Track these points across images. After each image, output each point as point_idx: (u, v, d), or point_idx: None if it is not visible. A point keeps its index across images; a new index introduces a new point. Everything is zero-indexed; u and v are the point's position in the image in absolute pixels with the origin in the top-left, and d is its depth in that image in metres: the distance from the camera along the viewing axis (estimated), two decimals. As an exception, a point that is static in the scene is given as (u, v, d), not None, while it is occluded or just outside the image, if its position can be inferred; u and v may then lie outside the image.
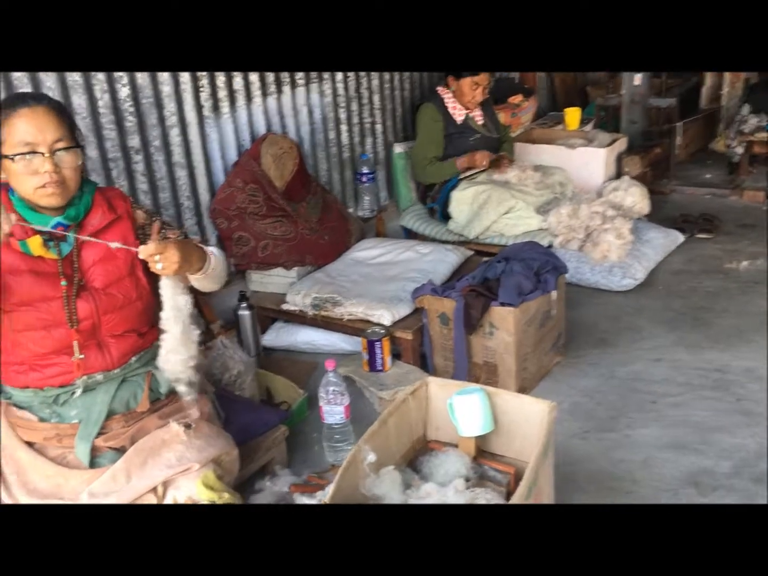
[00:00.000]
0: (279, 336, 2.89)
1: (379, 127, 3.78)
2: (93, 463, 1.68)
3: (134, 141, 2.62)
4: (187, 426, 1.73)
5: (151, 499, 1.63)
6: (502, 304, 2.35)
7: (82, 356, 1.71)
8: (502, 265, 2.49)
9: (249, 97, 3.02)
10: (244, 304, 2.68)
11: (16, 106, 1.59)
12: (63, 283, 1.68)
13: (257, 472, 2.10)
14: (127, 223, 1.79)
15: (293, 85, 3.22)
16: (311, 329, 2.80)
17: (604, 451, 2.21)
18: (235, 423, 2.04)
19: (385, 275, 2.90)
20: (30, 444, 1.72)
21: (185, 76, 2.74)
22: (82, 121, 2.42)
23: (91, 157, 2.48)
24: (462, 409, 1.75)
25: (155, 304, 1.79)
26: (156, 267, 1.58)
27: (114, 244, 1.62)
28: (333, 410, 2.17)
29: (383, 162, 3.87)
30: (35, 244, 1.65)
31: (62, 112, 1.66)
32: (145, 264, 1.80)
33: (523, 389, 2.48)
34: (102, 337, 1.74)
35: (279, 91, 3.15)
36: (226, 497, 1.68)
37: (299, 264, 2.95)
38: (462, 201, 3.52)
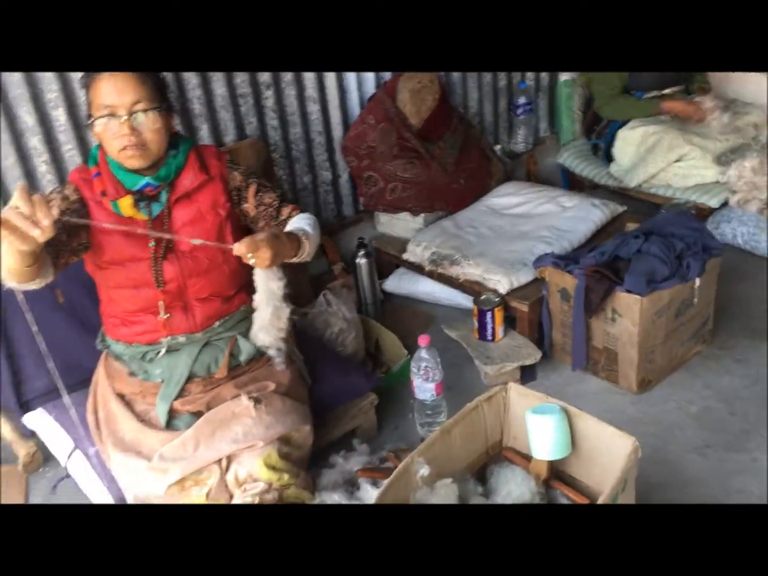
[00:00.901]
0: (400, 283, 2.81)
1: (544, 50, 3.38)
2: (170, 425, 1.75)
3: (264, 76, 2.55)
4: (257, 401, 1.74)
5: (216, 471, 1.67)
6: (629, 291, 2.08)
7: (167, 316, 1.76)
8: (639, 242, 2.17)
9: (392, 24, 2.81)
10: (362, 252, 2.62)
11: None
12: (151, 244, 1.70)
13: (344, 437, 2.09)
14: (218, 185, 1.77)
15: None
16: (431, 281, 2.68)
17: (723, 476, 1.93)
18: (323, 387, 2.04)
19: (517, 230, 2.68)
20: (121, 396, 1.83)
21: (321, 5, 2.58)
22: (211, 58, 2.39)
23: (220, 94, 2.46)
24: (535, 429, 1.59)
25: (244, 269, 1.77)
26: (249, 262, 1.54)
27: (197, 241, 1.57)
28: (424, 386, 2.08)
29: (546, 90, 3.50)
30: (125, 205, 1.67)
31: (146, 73, 1.62)
32: (234, 228, 1.80)
33: (646, 382, 2.23)
34: (188, 299, 1.77)
35: (427, 15, 2.90)
36: (285, 479, 1.70)
37: (427, 210, 2.79)
38: (628, 141, 3.12)
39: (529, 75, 3.39)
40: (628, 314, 2.11)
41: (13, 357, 2.10)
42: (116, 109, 1.57)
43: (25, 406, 2.11)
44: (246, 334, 1.84)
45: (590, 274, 2.12)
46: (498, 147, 3.22)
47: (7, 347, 2.07)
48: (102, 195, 1.67)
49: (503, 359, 2.29)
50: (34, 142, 2.15)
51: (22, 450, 2.13)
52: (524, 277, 2.40)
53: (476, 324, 2.37)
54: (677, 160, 2.96)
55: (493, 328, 2.35)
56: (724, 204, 2.91)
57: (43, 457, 2.15)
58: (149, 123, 1.61)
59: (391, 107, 2.73)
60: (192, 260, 1.74)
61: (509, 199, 2.89)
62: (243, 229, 1.84)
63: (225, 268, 1.78)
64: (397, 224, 2.86)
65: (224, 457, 1.68)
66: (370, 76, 2.83)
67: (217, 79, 2.43)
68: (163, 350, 1.79)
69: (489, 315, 2.33)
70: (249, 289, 1.87)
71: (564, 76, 3.39)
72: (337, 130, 2.82)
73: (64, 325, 2.13)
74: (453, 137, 2.88)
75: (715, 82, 3.71)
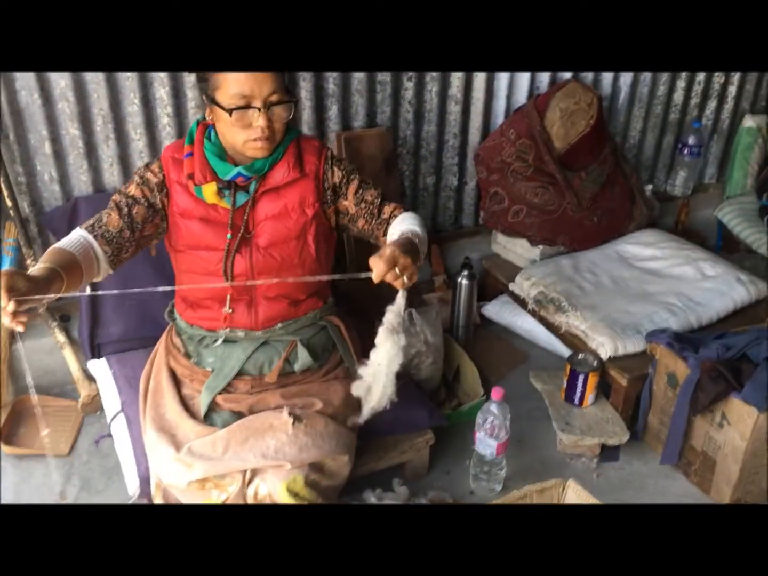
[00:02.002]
0: (501, 311, 2.61)
1: (732, 89, 3.00)
2: (208, 417, 1.69)
3: (409, 66, 2.39)
4: (298, 419, 1.64)
5: (238, 479, 1.60)
6: (746, 401, 1.78)
7: (230, 310, 1.69)
8: (776, 345, 1.86)
9: (562, 33, 2.56)
10: (465, 272, 2.43)
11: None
12: (228, 236, 1.63)
13: (388, 469, 1.96)
14: (310, 183, 1.67)
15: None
16: (533, 318, 2.46)
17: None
18: (379, 414, 1.90)
19: (641, 288, 2.39)
20: (173, 373, 1.79)
21: None
22: (356, 38, 2.26)
23: (358, 77, 2.34)
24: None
25: (322, 274, 1.71)
26: (396, 284, 1.39)
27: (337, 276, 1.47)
28: (486, 441, 1.90)
29: (724, 133, 3.11)
30: (209, 192, 1.60)
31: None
32: (317, 231, 1.68)
33: (741, 502, 1.93)
34: (255, 295, 1.70)
35: (604, 30, 2.61)
36: (305, 508, 1.59)
37: (547, 243, 2.56)
38: (803, 213, 2.72)
39: (707, 113, 3.02)
40: (739, 425, 1.82)
41: (95, 298, 2.12)
42: (252, 99, 1.49)
43: (97, 349, 2.14)
44: (308, 342, 1.75)
45: (706, 370, 1.83)
46: (649, 187, 2.89)
47: (91, 287, 2.09)
48: (188, 178, 1.60)
49: (584, 431, 2.06)
50: (161, 93, 2.12)
51: (84, 391, 2.16)
52: (633, 345, 2.13)
53: (565, 383, 2.14)
54: None
55: (583, 393, 2.12)
56: None
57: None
58: (282, 114, 1.54)
59: (536, 124, 2.49)
60: (265, 257, 1.66)
61: (644, 250, 2.59)
62: (327, 232, 1.73)
63: (299, 270, 1.68)
64: (513, 249, 2.65)
65: (249, 469, 1.60)
66: (523, 85, 2.60)
67: (358, 62, 2.30)
68: (220, 340, 1.73)
69: (581, 378, 2.09)
70: (322, 295, 1.79)
71: (749, 123, 3.00)
72: (475, 136, 2.62)
73: (151, 278, 2.11)
74: (599, 170, 2.61)
75: None
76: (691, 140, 2.95)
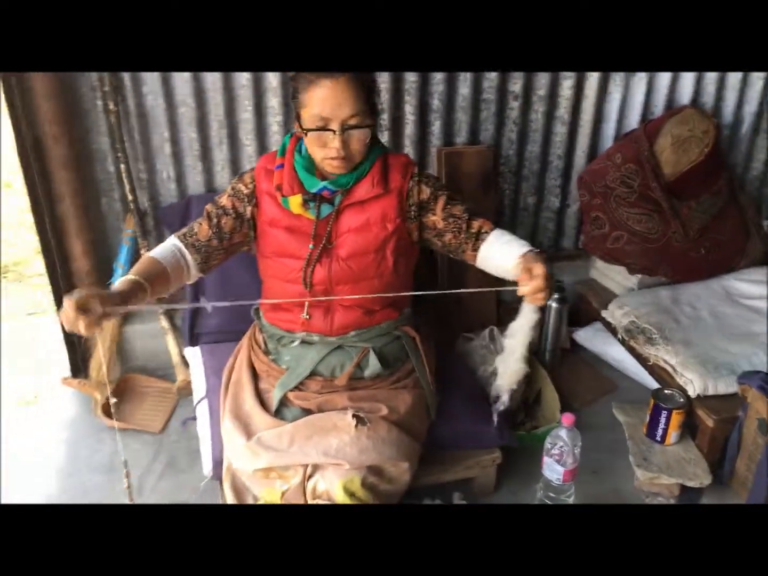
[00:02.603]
0: (593, 338, 2.55)
1: None
2: (279, 412, 1.77)
3: (516, 86, 2.41)
4: (361, 421, 1.69)
5: (300, 472, 1.67)
6: (839, 457, 1.65)
7: (308, 316, 1.77)
8: None
9: (680, 58, 2.47)
10: (557, 295, 2.40)
11: (321, 74, 1.54)
12: (311, 246, 1.71)
13: (456, 482, 1.97)
14: (393, 199, 1.71)
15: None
16: (624, 348, 2.39)
17: None
18: (448, 426, 1.93)
19: (744, 327, 2.26)
20: (253, 367, 1.89)
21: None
22: (463, 57, 2.30)
23: (462, 94, 2.37)
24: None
25: (398, 287, 1.75)
26: (538, 299, 1.47)
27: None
28: (553, 467, 1.87)
29: None
30: (295, 203, 1.68)
31: (364, 82, 1.57)
32: (397, 245, 1.73)
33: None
34: (332, 303, 1.76)
35: (728, 55, 2.50)
36: (360, 509, 1.64)
37: (646, 272, 2.47)
38: None
39: None
40: (831, 483, 1.69)
41: (199, 287, 2.27)
42: (330, 122, 1.55)
43: (195, 338, 2.29)
44: (380, 350, 1.80)
45: (798, 418, 1.72)
46: (767, 223, 2.73)
47: (193, 288, 2.24)
48: (277, 189, 1.69)
49: (662, 469, 1.98)
50: (273, 102, 2.25)
51: (180, 375, 2.32)
52: (725, 386, 2.02)
53: (648, 418, 2.07)
54: None
55: (665, 430, 2.03)
56: None
57: (197, 387, 2.33)
58: (360, 137, 1.59)
59: (645, 149, 2.42)
60: (344, 268, 1.71)
61: (754, 288, 2.45)
62: (407, 246, 1.77)
63: (375, 282, 1.73)
64: (611, 276, 2.58)
65: (310, 464, 1.66)
66: (636, 109, 2.54)
67: (464, 80, 2.34)
68: (297, 341, 1.81)
69: (664, 414, 2.01)
70: (398, 307, 1.84)
71: None
72: (580, 158, 2.59)
73: (250, 273, 2.24)
74: (711, 200, 2.50)
75: None
76: (822, 174, 2.76)
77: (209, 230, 1.70)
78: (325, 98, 1.53)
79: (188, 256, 1.67)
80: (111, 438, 2.20)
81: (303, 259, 1.71)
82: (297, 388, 1.78)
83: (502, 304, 2.62)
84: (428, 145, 2.45)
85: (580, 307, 2.63)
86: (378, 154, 1.70)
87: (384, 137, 2.38)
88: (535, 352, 2.46)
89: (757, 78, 2.57)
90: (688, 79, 2.52)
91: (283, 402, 1.78)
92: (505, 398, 1.79)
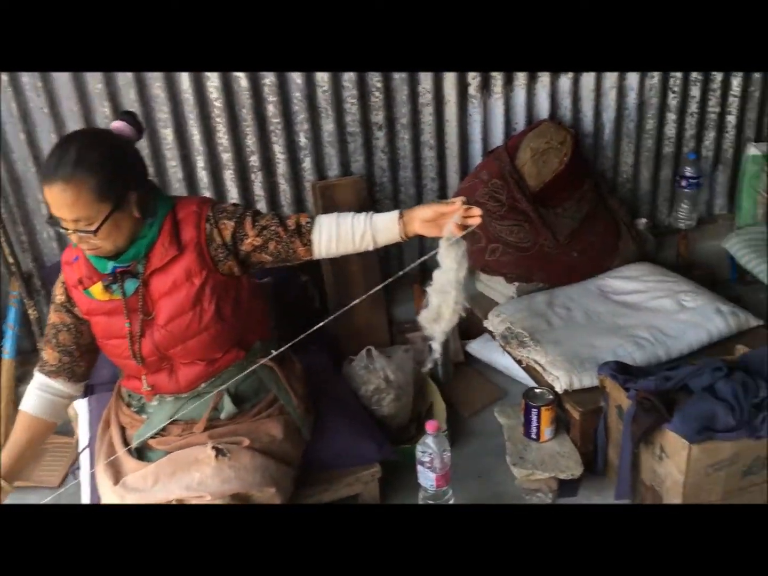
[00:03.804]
0: (483, 348, 2.64)
1: (731, 119, 2.94)
2: (145, 456, 1.81)
3: (378, 117, 2.53)
4: (221, 452, 1.74)
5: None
6: (675, 431, 1.74)
7: (149, 388, 1.79)
8: (717, 376, 1.81)
9: (532, 76, 2.62)
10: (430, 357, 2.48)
11: (44, 175, 1.54)
12: (127, 324, 1.69)
13: (341, 501, 2.03)
14: (192, 255, 1.67)
15: (599, 63, 2.67)
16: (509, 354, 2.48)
17: None
18: (328, 446, 1.99)
19: (613, 322, 2.37)
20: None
21: (448, 51, 2.49)
22: (322, 94, 2.42)
23: (328, 130, 2.49)
24: None
25: (234, 329, 1.76)
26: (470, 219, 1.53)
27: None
28: (426, 474, 1.94)
29: (729, 163, 3.04)
30: (97, 291, 1.68)
31: (87, 180, 1.49)
32: (213, 292, 1.71)
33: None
34: (172, 363, 1.77)
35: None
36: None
37: (523, 280, 2.58)
38: (808, 243, 2.61)
39: (707, 144, 2.97)
40: (675, 459, 1.77)
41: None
42: (61, 221, 1.54)
43: (88, 389, 2.33)
44: (236, 389, 1.82)
45: (641, 401, 1.81)
46: (642, 221, 2.86)
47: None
48: (78, 283, 1.70)
49: (536, 465, 2.05)
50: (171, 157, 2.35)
51: (77, 429, 2.36)
52: (590, 379, 2.12)
53: (522, 418, 2.15)
54: None
55: (538, 428, 2.11)
56: None
57: (94, 438, 2.37)
58: (93, 238, 1.55)
59: (507, 164, 2.55)
60: (167, 333, 1.70)
61: (626, 284, 2.56)
62: (230, 285, 1.74)
63: (204, 336, 1.72)
64: (493, 287, 2.68)
65: (174, 500, 1.70)
66: (498, 128, 2.67)
67: (326, 116, 2.46)
68: (152, 403, 1.84)
69: (535, 413, 2.09)
70: (244, 344, 1.83)
71: (752, 151, 2.91)
72: (453, 179, 2.71)
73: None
74: (576, 206, 2.62)
75: None
76: (688, 172, 2.90)
77: (54, 352, 1.76)
78: (50, 199, 1.52)
79: (56, 385, 1.76)
80: (11, 496, 2.22)
81: (126, 338, 1.71)
82: (158, 434, 1.81)
83: (395, 324, 2.71)
84: (302, 181, 2.55)
85: (470, 320, 2.71)
86: (164, 213, 1.66)
87: (258, 178, 2.48)
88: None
89: (609, 88, 2.72)
90: (543, 97, 2.66)
91: (147, 447, 1.82)
92: (437, 349, 1.71)
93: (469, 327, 2.72)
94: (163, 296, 1.69)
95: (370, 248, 1.70)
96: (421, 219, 1.60)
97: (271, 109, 2.40)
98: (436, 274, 1.56)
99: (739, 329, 2.32)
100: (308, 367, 2.11)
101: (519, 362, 2.32)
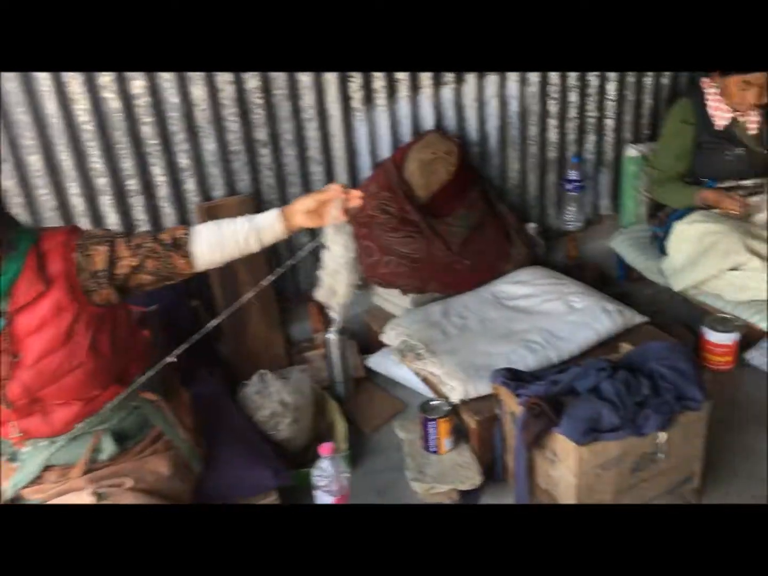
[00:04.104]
0: (383, 362, 2.62)
1: (609, 122, 3.05)
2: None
3: (261, 134, 2.48)
4: (101, 497, 1.64)
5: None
6: (563, 434, 1.77)
7: (20, 434, 1.67)
8: (601, 376, 1.85)
9: (415, 87, 2.63)
10: (332, 328, 2.46)
11: None
12: None
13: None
14: (61, 288, 1.56)
15: (481, 73, 2.71)
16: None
17: None
18: (222, 476, 1.91)
19: (507, 328, 2.40)
20: None
21: (329, 66, 2.47)
22: (201, 113, 2.36)
23: (209, 150, 2.42)
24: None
25: (112, 365, 1.67)
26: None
27: None
28: (323, 498, 1.90)
29: (610, 164, 3.14)
30: None
31: None
32: (88, 326, 1.61)
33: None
34: (45, 404, 1.65)
35: (459, 80, 2.69)
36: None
37: (417, 290, 2.58)
38: (684, 237, 2.71)
39: (589, 148, 3.06)
40: (566, 462, 1.80)
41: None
42: None
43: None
44: (118, 427, 1.73)
45: (530, 407, 1.83)
46: (531, 225, 2.92)
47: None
48: None
49: (436, 478, 2.05)
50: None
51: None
52: (485, 387, 2.13)
53: (421, 431, 2.14)
54: (732, 269, 2.52)
55: (437, 440, 2.11)
56: (774, 330, 2.43)
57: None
58: None
59: (395, 176, 2.55)
60: (38, 373, 1.59)
61: (519, 289, 2.60)
62: (107, 315, 1.65)
63: (79, 373, 1.61)
64: (390, 299, 2.68)
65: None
66: (385, 139, 2.67)
67: (207, 135, 2.39)
68: (25, 449, 1.71)
69: (432, 425, 2.09)
70: (125, 379, 1.71)
71: (631, 152, 3.02)
72: (344, 193, 2.68)
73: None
74: (467, 214, 2.65)
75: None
76: (572, 175, 2.99)
77: None
78: None
79: None
80: None
81: None
82: (34, 482, 1.69)
83: (293, 345, 2.66)
84: (186, 203, 2.47)
85: (369, 334, 2.70)
86: (27, 246, 1.55)
87: (138, 202, 2.39)
88: (326, 387, 2.50)
89: (491, 97, 2.77)
90: (427, 107, 2.68)
91: (21, 497, 1.70)
92: (339, 320, 1.77)
93: (368, 341, 2.70)
94: (31, 334, 1.58)
95: (257, 249, 1.67)
96: (303, 211, 1.59)
97: (147, 130, 2.31)
98: (326, 258, 1.59)
99: (626, 326, 2.39)
100: (199, 396, 2.05)
101: (417, 374, 2.31)
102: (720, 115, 2.72)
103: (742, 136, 2.73)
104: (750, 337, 2.54)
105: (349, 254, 1.59)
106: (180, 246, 1.63)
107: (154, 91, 2.27)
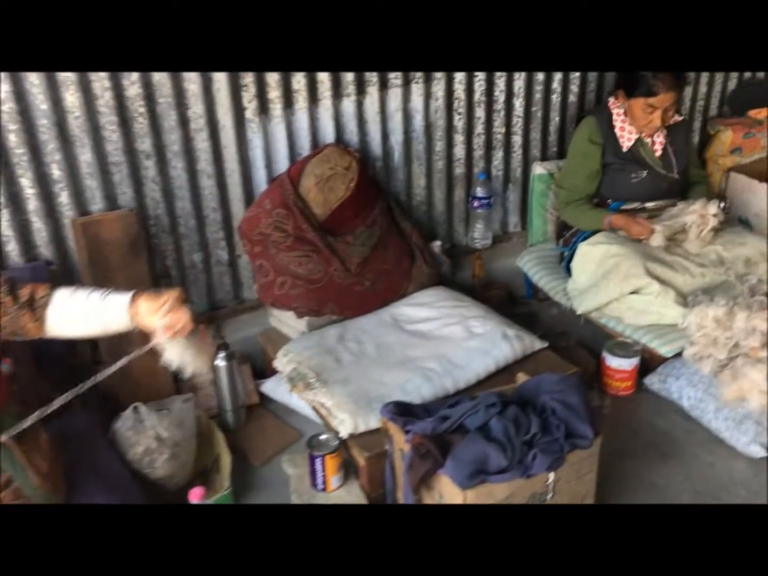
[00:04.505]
0: (277, 388, 2.48)
1: (517, 138, 2.99)
2: None
3: (144, 145, 2.30)
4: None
5: None
6: (448, 477, 1.67)
7: None
8: (491, 412, 1.76)
9: (314, 99, 2.50)
10: (222, 354, 2.30)
11: None
12: None
13: None
14: None
15: (383, 85, 2.60)
16: (301, 395, 2.34)
17: None
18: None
19: (404, 354, 2.29)
20: None
21: (219, 74, 2.31)
22: (75, 121, 2.17)
23: (85, 161, 2.23)
24: None
25: None
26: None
27: None
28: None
29: (518, 181, 3.09)
30: None
31: None
32: None
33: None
34: None
35: (360, 92, 2.57)
36: None
37: (313, 313, 2.45)
38: (587, 258, 2.67)
39: (496, 164, 3.00)
40: (452, 504, 1.70)
41: None
42: None
43: None
44: None
45: (416, 446, 1.72)
46: (438, 244, 2.84)
47: None
48: None
49: (322, 519, 1.92)
50: None
51: None
52: (376, 420, 2.02)
53: (308, 468, 2.01)
54: (633, 292, 2.49)
55: (324, 477, 1.99)
56: (679, 354, 2.41)
57: None
58: None
59: (290, 192, 2.42)
60: None
61: (419, 311, 2.51)
62: None
63: None
64: (286, 322, 2.54)
65: None
66: (282, 153, 2.53)
67: (82, 145, 2.20)
68: None
69: (319, 462, 1.97)
70: None
71: (539, 170, 2.97)
72: (238, 208, 2.53)
73: None
74: (368, 232, 2.54)
75: (734, 192, 3.23)
76: (479, 192, 2.92)
77: None
78: None
79: None
80: None
81: None
82: None
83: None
84: (60, 218, 2.27)
85: (264, 358, 2.56)
86: None
87: (4, 216, 2.18)
88: (213, 416, 2.35)
89: (394, 110, 2.66)
90: (327, 120, 2.55)
91: None
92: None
93: (264, 365, 2.56)
94: None
95: (101, 335, 1.59)
96: (145, 313, 1.50)
97: (13, 138, 2.10)
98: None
99: (525, 353, 2.33)
100: (66, 434, 1.88)
101: (312, 405, 2.18)
102: (626, 136, 2.69)
103: (647, 157, 2.72)
104: (650, 363, 2.52)
105: (192, 367, 1.57)
106: (36, 308, 1.53)
107: (20, 96, 2.07)
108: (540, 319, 2.96)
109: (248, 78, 2.36)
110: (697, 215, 2.54)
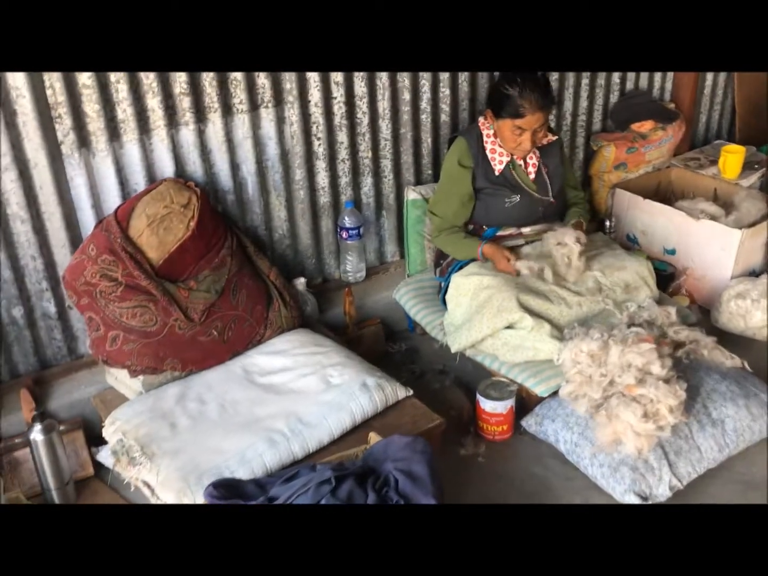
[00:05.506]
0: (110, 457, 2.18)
1: (387, 163, 2.78)
2: None
3: (-65, 187, 2.00)
4: None
5: None
6: None
7: None
8: (323, 491, 1.53)
9: (144, 129, 2.24)
10: (38, 426, 2.00)
11: None
12: None
13: None
14: None
15: (227, 111, 2.35)
16: (138, 466, 2.05)
17: None
18: None
19: (252, 413, 2.04)
20: None
21: (23, 104, 2.02)
22: None
23: None
24: None
25: None
26: None
27: None
28: None
29: (392, 208, 2.88)
30: None
31: None
32: None
33: None
34: None
35: (200, 119, 2.32)
36: None
37: (150, 371, 2.18)
38: (461, 291, 2.48)
39: (366, 191, 2.79)
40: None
41: None
42: None
43: None
44: None
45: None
46: (302, 281, 2.60)
47: None
48: None
49: (141, 623, 1.64)
50: None
51: None
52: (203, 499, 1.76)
53: (128, 560, 1.73)
54: (508, 327, 2.31)
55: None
56: (556, 392, 2.24)
57: None
58: None
59: (117, 236, 2.14)
60: None
61: (274, 360, 2.26)
62: None
63: None
64: (124, 381, 2.25)
65: None
66: (112, 192, 2.25)
67: None
68: None
69: (137, 554, 1.69)
70: None
71: (412, 195, 2.77)
72: (62, 255, 2.24)
73: None
74: (214, 275, 2.28)
75: (619, 208, 3.11)
76: (347, 222, 2.70)
77: None
78: None
79: None
80: None
81: None
82: None
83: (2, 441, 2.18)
84: None
85: (100, 422, 2.26)
86: None
87: None
88: (36, 495, 2.04)
89: (243, 138, 2.42)
90: (163, 151, 2.29)
91: None
92: None
93: (101, 430, 2.26)
94: None
95: None
96: None
97: None
98: None
99: (386, 404, 2.11)
100: None
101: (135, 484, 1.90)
102: (497, 158, 2.52)
103: (520, 180, 2.55)
104: (528, 402, 2.34)
105: None
106: None
107: None
108: (420, 354, 2.76)
109: (61, 109, 2.08)
110: (555, 246, 2.39)
